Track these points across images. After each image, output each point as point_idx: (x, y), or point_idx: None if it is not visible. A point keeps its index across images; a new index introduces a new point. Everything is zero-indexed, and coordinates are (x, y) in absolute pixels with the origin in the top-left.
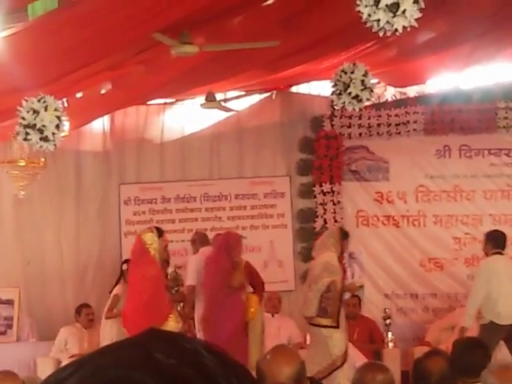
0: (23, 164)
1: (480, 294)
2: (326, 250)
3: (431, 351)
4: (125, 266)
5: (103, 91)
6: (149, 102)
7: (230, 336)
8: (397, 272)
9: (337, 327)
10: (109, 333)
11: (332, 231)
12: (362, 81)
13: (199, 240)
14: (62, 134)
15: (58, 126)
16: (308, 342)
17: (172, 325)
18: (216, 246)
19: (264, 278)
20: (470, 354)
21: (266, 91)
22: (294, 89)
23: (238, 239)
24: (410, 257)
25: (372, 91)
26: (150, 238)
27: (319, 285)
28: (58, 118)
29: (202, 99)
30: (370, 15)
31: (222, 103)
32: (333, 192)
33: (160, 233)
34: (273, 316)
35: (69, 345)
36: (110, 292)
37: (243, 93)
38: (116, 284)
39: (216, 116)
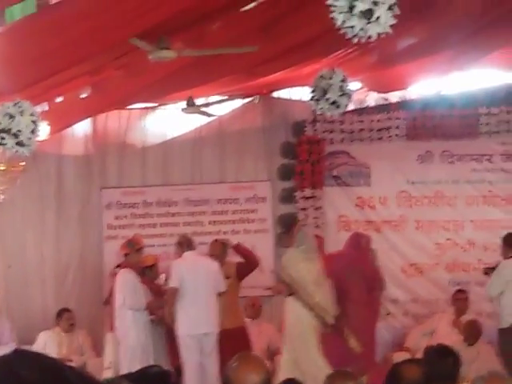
0: (3, 168)
1: (498, 287)
2: None
3: (409, 359)
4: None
5: (83, 96)
6: (130, 107)
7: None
8: None
9: None
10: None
11: None
12: (341, 86)
13: (186, 244)
14: (38, 139)
15: (33, 131)
16: None
17: None
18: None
19: (245, 283)
20: (440, 362)
21: (249, 96)
22: (275, 94)
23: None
24: (390, 262)
25: (350, 97)
26: None
27: None
28: (34, 122)
29: (183, 104)
30: (344, 21)
31: (204, 108)
32: (314, 197)
33: None
34: (253, 321)
35: (47, 349)
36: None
37: (225, 97)
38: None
39: (198, 121)
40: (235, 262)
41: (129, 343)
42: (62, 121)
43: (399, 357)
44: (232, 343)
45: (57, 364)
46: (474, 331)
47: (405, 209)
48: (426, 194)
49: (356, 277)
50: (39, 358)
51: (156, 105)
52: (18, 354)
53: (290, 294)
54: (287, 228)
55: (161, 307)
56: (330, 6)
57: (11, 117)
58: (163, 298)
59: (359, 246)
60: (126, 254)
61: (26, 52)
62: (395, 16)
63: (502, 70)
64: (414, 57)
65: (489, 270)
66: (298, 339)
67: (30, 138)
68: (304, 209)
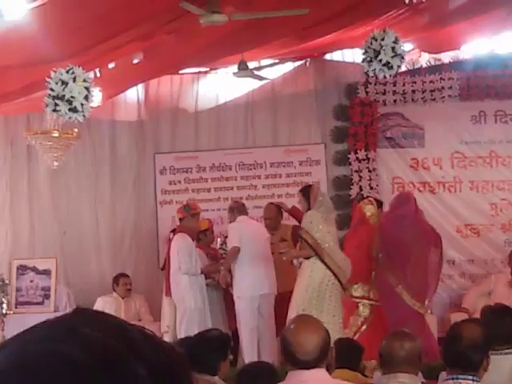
0: (56, 135)
1: None
2: None
3: (468, 319)
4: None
5: (135, 61)
6: (182, 71)
7: None
8: None
9: None
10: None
11: None
12: (393, 47)
13: (237, 209)
14: (92, 105)
15: (86, 97)
16: None
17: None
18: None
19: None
20: (498, 322)
21: (300, 59)
22: (327, 56)
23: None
24: (446, 223)
25: (403, 58)
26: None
27: None
28: (87, 88)
29: (235, 68)
30: None
31: (256, 71)
32: (368, 159)
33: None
34: None
35: None
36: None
37: (277, 61)
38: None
39: (250, 84)
40: (291, 224)
41: (186, 307)
42: (114, 87)
43: (457, 317)
44: (286, 306)
45: (120, 322)
46: None
47: (459, 169)
48: (480, 154)
49: (416, 236)
50: (101, 316)
51: (207, 69)
52: (79, 312)
53: (308, 257)
54: (304, 192)
55: (217, 271)
56: None
57: (64, 83)
58: (219, 262)
59: (413, 204)
60: (181, 219)
61: (76, 18)
62: None
63: None
64: (466, 16)
65: None
66: (314, 300)
67: (83, 105)
68: (358, 171)
